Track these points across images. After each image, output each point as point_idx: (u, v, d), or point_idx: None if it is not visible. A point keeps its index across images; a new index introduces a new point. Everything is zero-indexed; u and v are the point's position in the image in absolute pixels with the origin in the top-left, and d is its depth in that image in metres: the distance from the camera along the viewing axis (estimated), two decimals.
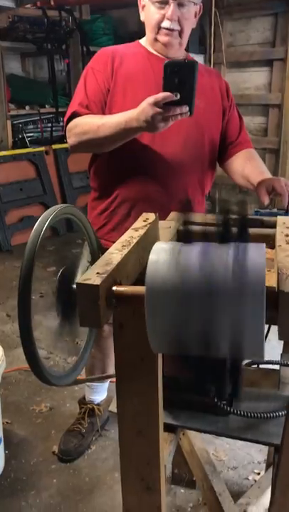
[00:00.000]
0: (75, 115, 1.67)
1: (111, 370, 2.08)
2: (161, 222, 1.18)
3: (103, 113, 1.68)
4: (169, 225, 1.19)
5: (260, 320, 0.71)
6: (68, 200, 5.25)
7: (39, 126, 5.56)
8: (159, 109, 1.38)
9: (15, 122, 5.36)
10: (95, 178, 1.85)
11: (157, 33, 1.65)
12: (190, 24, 1.67)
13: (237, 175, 1.80)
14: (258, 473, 2.02)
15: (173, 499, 1.91)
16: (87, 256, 1.09)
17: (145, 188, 1.72)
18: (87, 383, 2.24)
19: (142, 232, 1.01)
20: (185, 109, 1.39)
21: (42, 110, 5.58)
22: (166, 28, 1.63)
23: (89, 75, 1.72)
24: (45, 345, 2.70)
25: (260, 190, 1.58)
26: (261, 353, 0.74)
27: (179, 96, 1.36)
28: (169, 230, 1.15)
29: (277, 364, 1.30)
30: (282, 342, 1.36)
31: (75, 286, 0.82)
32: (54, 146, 5.31)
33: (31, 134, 5.53)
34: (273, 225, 1.14)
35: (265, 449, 2.02)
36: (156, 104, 1.38)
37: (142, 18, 1.70)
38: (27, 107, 5.55)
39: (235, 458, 2.13)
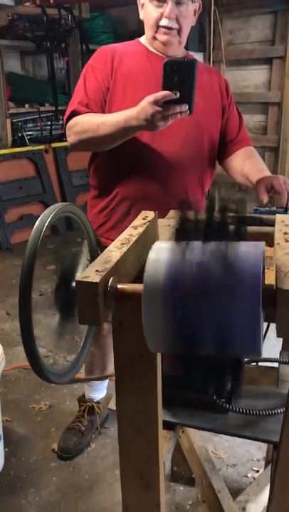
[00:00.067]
0: (74, 114, 1.67)
1: (110, 368, 2.08)
2: (160, 221, 1.18)
3: (103, 111, 1.68)
4: (168, 223, 1.19)
5: (257, 318, 0.72)
6: (68, 199, 5.24)
7: (38, 124, 5.56)
8: (158, 108, 1.38)
9: (14, 120, 5.35)
10: (95, 177, 1.85)
11: (156, 31, 1.66)
12: (189, 22, 1.67)
13: (236, 173, 1.81)
14: (257, 471, 2.03)
15: (172, 497, 1.91)
16: (86, 254, 1.09)
17: (145, 187, 1.72)
18: None
19: (141, 230, 1.02)
20: (185, 107, 1.39)
21: (41, 108, 5.57)
22: (165, 27, 1.63)
23: (88, 73, 1.72)
24: (44, 344, 2.70)
25: (259, 189, 1.58)
26: (259, 351, 0.75)
27: (178, 94, 1.36)
28: (168, 228, 1.15)
29: (276, 362, 1.31)
30: (281, 340, 1.37)
31: (74, 284, 0.82)
32: (53, 145, 5.31)
33: (31, 133, 5.52)
34: (272, 223, 1.14)
35: (264, 446, 2.02)
36: (155, 102, 1.38)
37: (141, 16, 1.70)
38: (26, 106, 5.54)
39: (235, 455, 2.13)
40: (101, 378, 2.15)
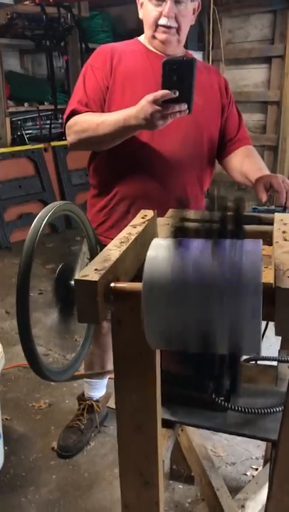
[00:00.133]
0: (74, 113, 1.67)
1: (110, 366, 2.09)
2: (159, 219, 1.19)
3: (102, 111, 1.68)
4: (167, 221, 1.19)
5: (256, 316, 0.72)
6: (67, 198, 5.24)
7: (38, 123, 5.56)
8: (157, 107, 1.38)
9: (14, 119, 5.35)
10: (95, 176, 1.85)
11: (155, 30, 1.66)
12: (188, 21, 1.67)
13: (235, 172, 1.81)
14: (256, 469, 2.03)
15: (171, 495, 1.92)
16: (86, 253, 1.09)
17: (144, 186, 1.72)
18: (86, 380, 2.24)
19: (140, 228, 1.02)
20: (184, 106, 1.39)
21: (41, 107, 5.57)
22: (164, 26, 1.63)
23: (88, 72, 1.72)
24: (44, 342, 2.71)
25: (258, 187, 1.59)
26: (258, 349, 0.75)
27: (177, 93, 1.36)
28: (167, 226, 1.16)
29: (275, 360, 1.31)
30: (279, 338, 1.38)
31: (73, 282, 0.83)
32: (53, 143, 5.31)
33: (30, 131, 5.53)
34: (271, 222, 1.14)
35: (262, 444, 2.03)
36: (155, 101, 1.38)
37: (141, 15, 1.71)
38: (26, 104, 5.54)
39: (234, 454, 2.14)
40: (101, 374, 2.15)
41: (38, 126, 5.56)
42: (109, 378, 2.26)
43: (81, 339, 1.14)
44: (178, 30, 1.65)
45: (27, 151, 5.13)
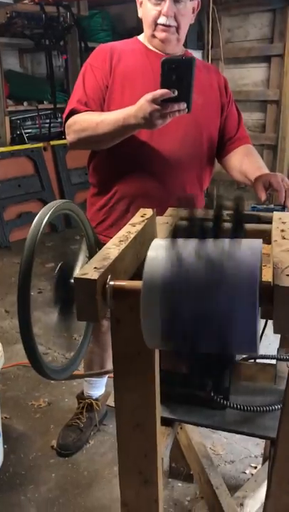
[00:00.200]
0: (73, 112, 1.67)
1: (109, 364, 2.09)
2: (158, 218, 1.19)
3: (102, 110, 1.68)
4: (166, 220, 1.20)
5: (255, 315, 0.72)
6: (66, 197, 5.24)
7: (37, 122, 5.56)
8: (157, 106, 1.38)
9: (13, 118, 5.35)
10: (94, 175, 1.86)
11: (154, 29, 1.66)
12: (187, 20, 1.68)
13: (235, 171, 1.81)
14: (255, 467, 2.04)
15: (170, 493, 1.92)
16: (85, 251, 1.10)
17: (144, 185, 1.72)
18: (86, 378, 2.25)
19: (139, 227, 1.02)
20: (183, 105, 1.39)
21: (40, 106, 5.57)
22: (163, 24, 1.63)
23: (87, 71, 1.72)
24: (44, 341, 2.71)
25: (257, 186, 1.59)
26: (255, 348, 0.75)
27: (176, 93, 1.36)
28: (166, 225, 1.16)
29: (274, 359, 1.31)
30: (278, 337, 1.38)
31: (72, 281, 0.83)
32: (52, 142, 5.30)
33: (29, 130, 5.52)
34: (270, 221, 1.14)
35: (262, 443, 2.03)
36: (154, 101, 1.38)
37: (140, 14, 1.71)
38: (25, 103, 5.54)
39: (233, 452, 2.14)
40: (100, 373, 2.16)
41: (37, 126, 5.56)
42: (108, 377, 2.27)
43: (80, 337, 1.14)
44: (177, 29, 1.66)
45: (26, 150, 5.13)
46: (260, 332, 0.81)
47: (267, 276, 0.86)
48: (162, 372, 0.98)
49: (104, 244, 0.95)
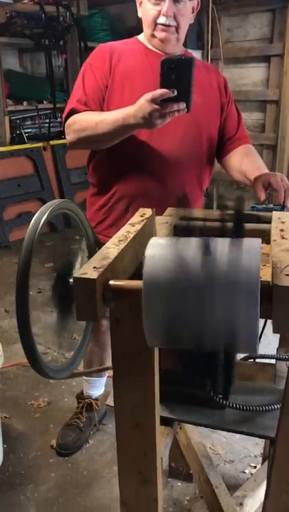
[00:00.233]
0: (73, 112, 1.67)
1: (109, 364, 2.09)
2: (157, 218, 1.19)
3: (101, 109, 1.68)
4: (165, 220, 1.20)
5: (254, 314, 0.72)
6: (66, 196, 5.24)
7: (37, 121, 5.55)
8: (156, 106, 1.38)
9: (13, 118, 5.34)
10: (94, 174, 1.86)
11: (154, 29, 1.66)
12: (187, 20, 1.68)
13: (234, 171, 1.81)
14: (255, 467, 2.04)
15: (170, 492, 1.92)
16: (85, 251, 1.10)
17: (143, 185, 1.72)
18: (85, 378, 2.25)
19: (138, 227, 1.02)
20: (182, 105, 1.39)
21: (40, 106, 5.56)
22: (163, 24, 1.63)
23: (87, 71, 1.72)
24: (43, 341, 2.71)
25: (256, 186, 1.59)
26: (255, 347, 0.75)
27: (176, 92, 1.36)
28: (165, 225, 1.16)
29: (273, 358, 1.31)
30: (277, 337, 1.38)
31: (72, 280, 0.83)
32: (52, 142, 5.30)
33: (29, 130, 5.52)
34: (269, 221, 1.15)
35: (261, 442, 2.04)
36: (153, 100, 1.38)
37: (140, 14, 1.71)
38: (25, 103, 5.53)
39: (232, 452, 2.14)
40: (100, 370, 2.16)
41: (37, 125, 5.56)
42: (108, 376, 2.27)
43: (80, 337, 1.14)
44: (177, 28, 1.66)
45: (26, 149, 5.12)
46: (260, 331, 0.81)
47: (266, 276, 0.86)
48: (162, 371, 0.98)
49: (104, 244, 0.95)
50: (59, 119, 5.42)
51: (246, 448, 2.15)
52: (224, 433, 2.14)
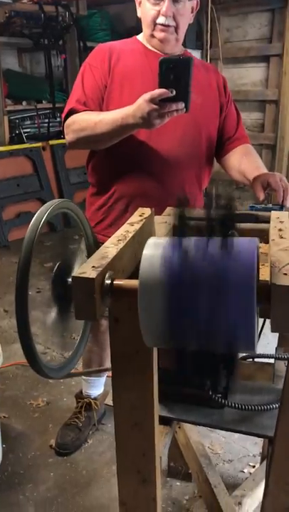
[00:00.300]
0: (72, 112, 1.67)
1: (108, 363, 2.08)
2: (156, 217, 1.19)
3: (101, 109, 1.68)
4: (164, 220, 1.20)
5: (252, 314, 0.72)
6: (65, 196, 5.24)
7: (36, 121, 5.55)
8: (155, 106, 1.38)
9: (12, 118, 5.34)
10: (93, 174, 1.86)
11: (153, 29, 1.66)
12: (186, 20, 1.68)
13: (234, 170, 1.81)
14: (253, 466, 2.04)
15: (169, 492, 1.93)
16: (84, 251, 1.10)
17: (142, 184, 1.73)
18: (84, 378, 2.25)
19: (137, 226, 1.02)
20: (181, 105, 1.39)
21: (39, 106, 5.56)
22: (162, 24, 1.63)
23: (86, 71, 1.72)
24: (42, 340, 2.71)
25: (255, 186, 1.59)
26: (254, 347, 0.76)
27: (174, 92, 1.37)
28: (164, 225, 1.16)
29: (272, 358, 1.32)
30: (276, 336, 1.38)
31: (70, 279, 0.83)
32: (51, 142, 5.30)
33: (28, 130, 5.51)
34: (268, 220, 1.15)
35: (260, 442, 2.04)
36: (152, 100, 1.38)
37: (139, 14, 1.71)
38: (24, 103, 5.53)
39: (231, 451, 2.15)
40: (99, 371, 2.16)
41: (36, 125, 5.56)
42: (107, 376, 2.27)
43: (78, 336, 1.14)
44: (176, 28, 1.66)
45: (25, 149, 5.12)
46: (259, 331, 0.81)
47: (264, 275, 0.86)
48: (161, 371, 0.98)
49: (103, 243, 0.95)
50: (58, 119, 5.42)
51: (245, 447, 2.15)
52: (223, 432, 2.14)
